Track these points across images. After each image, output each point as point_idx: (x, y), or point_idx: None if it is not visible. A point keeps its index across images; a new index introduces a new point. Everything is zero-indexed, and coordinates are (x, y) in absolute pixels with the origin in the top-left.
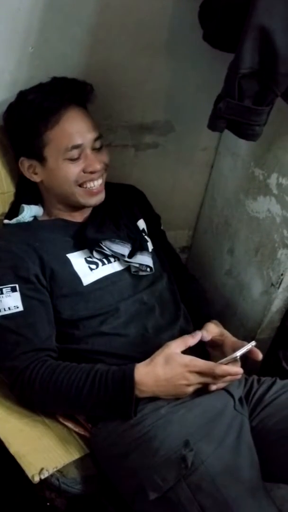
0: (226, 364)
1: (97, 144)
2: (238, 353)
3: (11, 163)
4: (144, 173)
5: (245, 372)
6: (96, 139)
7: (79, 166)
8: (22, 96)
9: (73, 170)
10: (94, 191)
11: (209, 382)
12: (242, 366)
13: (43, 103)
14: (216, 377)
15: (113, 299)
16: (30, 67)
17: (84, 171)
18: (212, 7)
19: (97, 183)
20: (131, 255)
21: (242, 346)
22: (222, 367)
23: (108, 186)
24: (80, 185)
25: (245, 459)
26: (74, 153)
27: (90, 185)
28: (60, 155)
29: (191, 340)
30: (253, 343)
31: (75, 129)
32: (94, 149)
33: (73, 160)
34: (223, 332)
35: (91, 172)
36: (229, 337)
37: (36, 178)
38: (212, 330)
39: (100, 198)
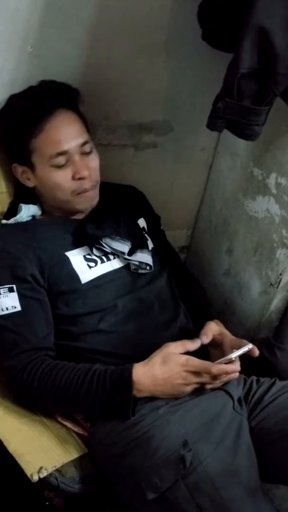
0: (223, 364)
1: (87, 148)
2: (234, 355)
3: (8, 163)
4: (143, 173)
5: (244, 372)
6: (83, 144)
7: (68, 174)
8: (10, 101)
9: (62, 178)
10: (89, 196)
11: (206, 382)
12: (241, 367)
13: (27, 111)
14: (213, 376)
15: (111, 296)
16: (29, 66)
17: (73, 178)
18: (211, 7)
19: (91, 193)
20: (131, 252)
21: (241, 344)
22: (218, 367)
23: (108, 186)
24: (77, 194)
25: (243, 459)
26: (60, 159)
27: (85, 194)
28: (46, 162)
29: (191, 345)
30: (250, 346)
31: (60, 136)
32: (83, 154)
33: (59, 167)
34: (222, 331)
35: (80, 179)
36: (228, 336)
37: (29, 184)
38: (212, 328)
39: (94, 202)
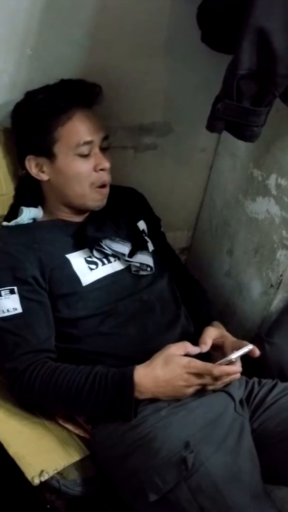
0: (224, 365)
1: (105, 144)
2: (234, 355)
3: (10, 165)
4: (144, 174)
5: (246, 374)
6: (104, 139)
7: (90, 164)
8: (31, 95)
9: (84, 168)
10: (104, 192)
11: (208, 383)
12: (242, 368)
13: (54, 101)
14: (215, 378)
15: (112, 298)
16: (29, 68)
17: (94, 169)
18: (210, 8)
19: (107, 186)
20: (131, 254)
21: (241, 345)
22: (220, 368)
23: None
24: (95, 187)
25: (245, 461)
26: (85, 149)
27: (102, 187)
28: (70, 150)
29: (191, 347)
30: (250, 346)
31: (86, 126)
32: (101, 149)
33: (83, 156)
34: (223, 333)
35: (102, 170)
36: (229, 338)
37: (43, 177)
38: (211, 334)
39: (103, 202)
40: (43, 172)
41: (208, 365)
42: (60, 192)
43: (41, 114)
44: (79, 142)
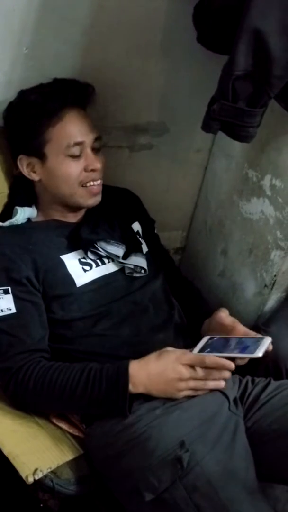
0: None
1: (97, 145)
2: (229, 355)
3: (5, 164)
4: (139, 174)
5: (239, 373)
6: (96, 139)
7: (80, 165)
8: (24, 95)
9: (75, 169)
10: (95, 190)
11: (200, 377)
12: (236, 367)
13: (46, 103)
14: (207, 373)
15: (105, 300)
16: (24, 67)
17: (85, 170)
18: (206, 9)
19: (97, 183)
20: (125, 256)
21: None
22: (212, 358)
23: (103, 188)
24: (83, 185)
25: (240, 459)
26: (76, 150)
27: (91, 186)
28: (61, 151)
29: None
30: (251, 355)
31: (77, 127)
32: (93, 149)
33: (74, 157)
34: (234, 320)
35: (92, 170)
36: (240, 325)
37: (34, 177)
38: (226, 314)
39: (98, 199)
40: (34, 172)
41: (200, 355)
42: (52, 191)
43: (32, 115)
44: (69, 143)
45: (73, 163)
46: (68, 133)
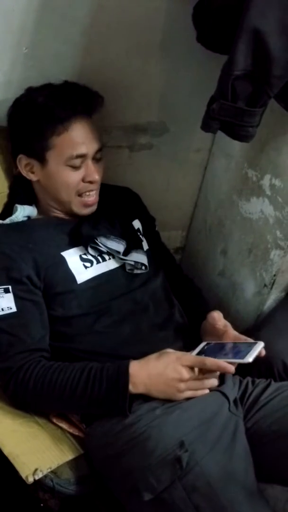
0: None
1: (98, 155)
2: (228, 360)
3: (5, 163)
4: (138, 174)
5: (239, 374)
6: (98, 150)
7: (79, 175)
8: (32, 95)
9: (73, 178)
10: (90, 202)
11: (199, 378)
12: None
13: (54, 110)
14: (206, 372)
15: (106, 297)
16: (24, 67)
17: (83, 180)
18: (206, 9)
19: (93, 194)
20: (126, 253)
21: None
22: (212, 360)
23: (104, 187)
24: (79, 195)
25: (240, 460)
26: (77, 161)
27: (87, 196)
28: (62, 161)
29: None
30: (247, 361)
31: (82, 139)
32: (94, 159)
33: (74, 168)
34: (226, 323)
35: (90, 182)
36: (232, 330)
37: (32, 177)
38: (220, 316)
39: (93, 209)
40: (32, 173)
41: (200, 357)
42: (50, 193)
43: (38, 119)
44: (72, 155)
45: (72, 173)
46: (72, 145)
